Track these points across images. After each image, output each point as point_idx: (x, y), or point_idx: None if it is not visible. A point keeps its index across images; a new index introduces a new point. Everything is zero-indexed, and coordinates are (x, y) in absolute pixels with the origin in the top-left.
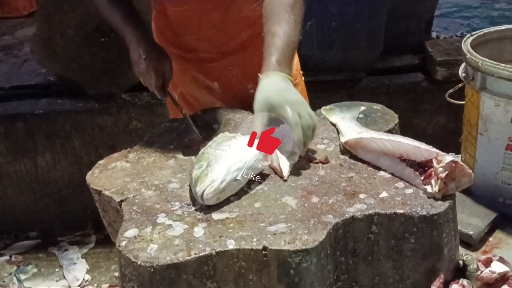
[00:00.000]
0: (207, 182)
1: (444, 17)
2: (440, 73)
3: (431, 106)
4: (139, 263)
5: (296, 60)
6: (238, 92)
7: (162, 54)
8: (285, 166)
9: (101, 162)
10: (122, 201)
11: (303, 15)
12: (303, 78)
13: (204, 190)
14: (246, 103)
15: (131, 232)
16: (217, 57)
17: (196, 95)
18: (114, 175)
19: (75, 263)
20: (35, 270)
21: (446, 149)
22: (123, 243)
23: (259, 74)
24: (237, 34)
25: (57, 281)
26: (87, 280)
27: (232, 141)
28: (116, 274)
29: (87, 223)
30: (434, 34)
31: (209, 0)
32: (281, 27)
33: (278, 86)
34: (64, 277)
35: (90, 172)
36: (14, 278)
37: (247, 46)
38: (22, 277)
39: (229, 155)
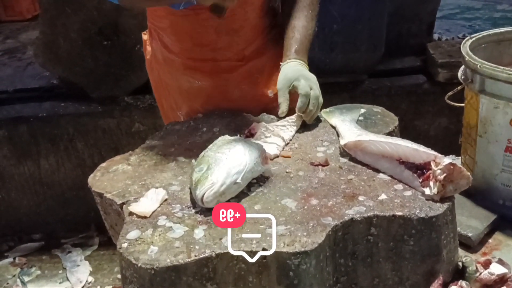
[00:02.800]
0: (207, 185)
1: (446, 19)
2: (441, 75)
3: (433, 108)
4: (139, 265)
5: None
6: (258, 98)
7: None
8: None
9: (102, 165)
10: (123, 203)
11: (319, 8)
12: None
13: (204, 193)
14: (267, 108)
15: (132, 235)
16: (236, 65)
17: (207, 112)
18: (115, 178)
19: (78, 265)
20: (38, 272)
21: (447, 151)
22: (124, 245)
23: (280, 63)
24: (255, 39)
25: (60, 283)
26: (90, 282)
27: (232, 144)
28: (119, 276)
29: (90, 225)
30: (436, 36)
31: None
32: (300, 21)
33: (295, 68)
34: (68, 279)
35: (92, 175)
36: (18, 280)
37: (263, 51)
38: (26, 279)
39: (229, 158)
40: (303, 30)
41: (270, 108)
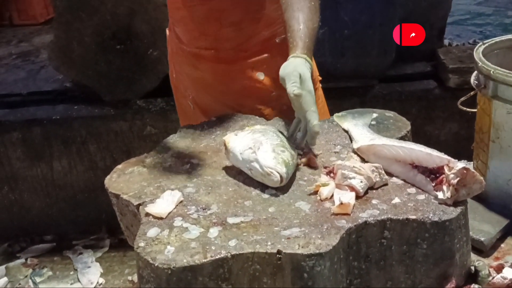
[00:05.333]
0: (290, 170)
1: (457, 25)
2: (452, 80)
3: (444, 113)
4: (156, 265)
5: (314, 67)
6: (259, 97)
7: None
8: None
9: (119, 166)
10: (139, 204)
11: (319, 2)
12: (320, 84)
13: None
14: (268, 108)
15: (148, 235)
16: (237, 58)
17: (209, 101)
18: (131, 180)
19: (89, 267)
20: (50, 273)
21: (458, 156)
22: (141, 245)
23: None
24: (256, 34)
25: (71, 284)
26: (101, 284)
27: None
28: (130, 278)
29: (101, 227)
30: (446, 42)
31: None
32: (304, 14)
33: (304, 66)
34: (79, 280)
35: (108, 177)
36: (30, 280)
37: (268, 48)
38: (38, 279)
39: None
40: (310, 24)
41: (274, 105)
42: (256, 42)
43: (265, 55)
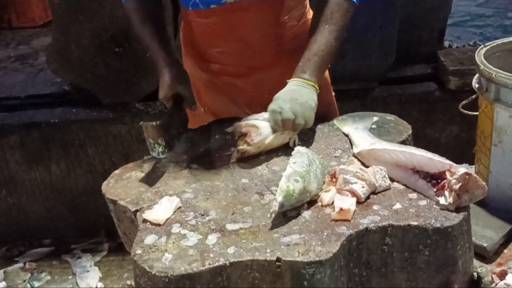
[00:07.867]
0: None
1: (457, 26)
2: (453, 82)
3: (444, 116)
4: (154, 273)
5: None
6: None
7: (183, 78)
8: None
9: (116, 172)
10: (137, 211)
11: (344, 20)
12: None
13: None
14: None
15: (146, 242)
16: (244, 72)
17: (222, 107)
18: (129, 185)
19: (88, 271)
20: (48, 277)
21: (459, 159)
22: (138, 253)
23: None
24: (265, 50)
25: None
26: None
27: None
28: (129, 282)
29: (100, 231)
30: (446, 43)
31: (237, 15)
32: (313, 37)
33: (290, 89)
34: (77, 285)
35: (105, 182)
36: (28, 285)
37: (276, 63)
38: (36, 284)
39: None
40: (315, 47)
41: None
42: (264, 59)
43: (272, 68)
